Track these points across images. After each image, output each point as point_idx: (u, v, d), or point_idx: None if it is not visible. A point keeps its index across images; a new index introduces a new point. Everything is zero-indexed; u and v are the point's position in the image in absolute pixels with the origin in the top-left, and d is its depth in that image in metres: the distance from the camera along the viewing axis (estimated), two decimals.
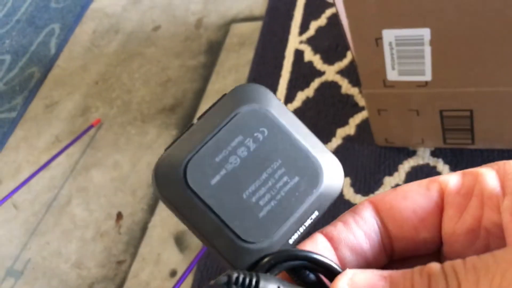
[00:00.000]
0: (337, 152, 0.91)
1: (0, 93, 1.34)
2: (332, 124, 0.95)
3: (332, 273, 0.23)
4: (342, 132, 0.94)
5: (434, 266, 0.21)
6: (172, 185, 0.23)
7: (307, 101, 1.01)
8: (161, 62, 1.25)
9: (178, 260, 0.91)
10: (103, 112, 1.19)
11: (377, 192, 0.85)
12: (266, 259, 0.23)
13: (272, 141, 0.24)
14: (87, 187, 1.06)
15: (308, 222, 0.24)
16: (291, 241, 0.23)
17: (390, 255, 0.25)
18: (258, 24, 1.22)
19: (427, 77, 0.74)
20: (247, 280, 0.21)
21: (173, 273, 0.90)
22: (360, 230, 0.25)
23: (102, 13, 1.44)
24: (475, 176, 0.23)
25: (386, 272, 0.22)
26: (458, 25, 0.66)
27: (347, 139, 0.93)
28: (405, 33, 0.69)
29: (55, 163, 1.12)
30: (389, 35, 0.70)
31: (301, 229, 0.24)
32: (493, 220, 0.22)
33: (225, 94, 0.25)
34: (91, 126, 1.15)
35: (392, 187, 0.25)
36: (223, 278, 0.21)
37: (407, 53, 0.72)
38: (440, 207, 0.24)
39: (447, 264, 0.21)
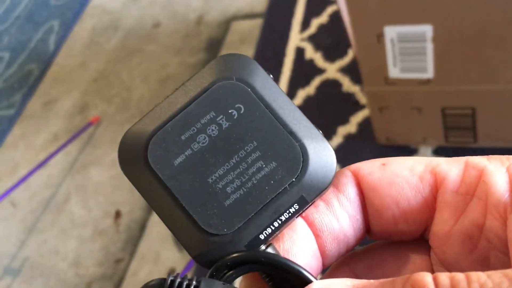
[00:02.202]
0: (338, 150, 0.90)
1: None
2: (333, 122, 0.95)
3: (301, 281, 0.20)
4: (343, 130, 0.93)
5: (423, 278, 0.16)
6: (132, 163, 0.21)
7: (308, 99, 1.00)
8: (160, 59, 1.24)
9: (177, 259, 0.90)
10: (102, 110, 1.19)
11: None
12: (219, 262, 0.20)
13: (249, 119, 0.21)
14: (86, 185, 1.06)
15: (285, 216, 0.21)
16: (261, 236, 0.20)
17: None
18: (259, 21, 1.21)
19: (429, 74, 0.73)
20: (184, 286, 0.19)
21: (172, 272, 0.89)
22: (344, 212, 0.22)
23: (102, 10, 1.43)
24: (480, 173, 0.20)
25: (360, 284, 0.18)
26: (460, 22, 0.66)
27: (348, 137, 0.92)
28: (407, 30, 0.69)
29: (54, 161, 1.11)
30: (391, 32, 0.70)
31: (276, 224, 0.21)
32: (496, 232, 0.19)
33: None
34: (89, 124, 1.15)
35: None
36: (157, 280, 0.19)
37: (409, 50, 0.71)
38: (429, 205, 0.21)
39: (443, 277, 0.16)
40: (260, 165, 0.21)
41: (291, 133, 0.21)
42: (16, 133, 1.22)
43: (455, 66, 0.72)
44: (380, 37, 0.71)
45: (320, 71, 1.04)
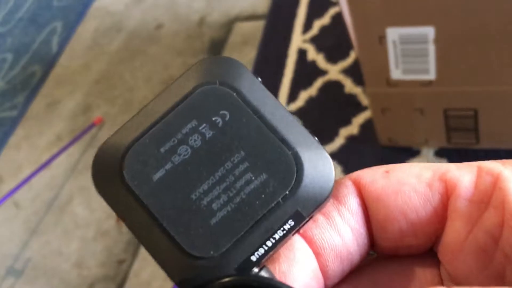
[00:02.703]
0: (340, 152, 0.90)
1: (2, 91, 1.34)
2: (335, 123, 0.95)
3: None
4: (345, 132, 0.93)
5: None
6: (106, 180, 0.19)
7: (310, 101, 1.00)
8: (163, 61, 1.24)
9: None
10: (105, 111, 1.19)
11: None
12: None
13: (235, 127, 0.19)
14: (88, 186, 1.06)
15: (280, 234, 0.18)
16: (253, 258, 0.18)
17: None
18: (261, 23, 1.21)
19: (431, 75, 0.73)
20: None
21: None
22: (346, 226, 0.19)
23: (105, 11, 1.43)
24: (495, 179, 0.18)
25: None
26: (462, 23, 0.66)
27: (350, 138, 0.92)
28: (409, 32, 0.69)
29: (56, 162, 1.12)
30: (393, 33, 0.69)
31: (269, 243, 0.18)
32: None
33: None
34: (92, 125, 1.15)
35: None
36: None
37: (411, 52, 0.71)
38: (439, 215, 0.19)
39: None
40: (249, 178, 0.19)
41: (283, 141, 0.19)
42: (19, 134, 1.23)
43: (457, 68, 0.72)
44: (382, 38, 0.70)
45: (322, 72, 1.04)
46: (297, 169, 0.19)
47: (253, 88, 0.20)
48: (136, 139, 0.19)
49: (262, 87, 0.20)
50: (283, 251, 0.19)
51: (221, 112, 0.19)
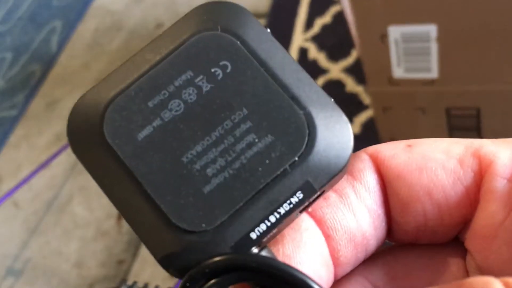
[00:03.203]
0: None
1: (1, 91, 1.33)
2: None
3: None
4: None
5: (488, 284, 0.12)
6: (84, 138, 0.16)
7: None
8: None
9: None
10: None
11: None
12: (195, 269, 0.15)
13: (237, 80, 0.16)
14: (88, 186, 1.06)
15: (285, 208, 0.15)
16: (253, 235, 0.15)
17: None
18: (262, 22, 1.21)
19: (434, 74, 0.73)
20: None
21: None
22: (363, 206, 0.17)
23: (105, 10, 1.43)
24: None
25: None
26: (465, 21, 0.66)
27: None
28: (411, 30, 0.69)
29: (56, 161, 1.11)
30: (395, 32, 0.69)
31: (272, 218, 0.15)
32: None
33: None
34: None
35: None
36: None
37: (413, 50, 0.71)
38: (471, 196, 0.16)
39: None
40: (251, 140, 0.16)
41: (293, 98, 0.16)
42: (19, 133, 1.22)
43: (459, 66, 0.71)
44: (384, 37, 0.70)
45: (324, 71, 1.03)
46: (309, 132, 0.16)
47: (260, 37, 0.17)
48: (120, 92, 0.16)
49: (271, 37, 0.17)
50: (288, 232, 0.16)
51: (222, 62, 0.16)
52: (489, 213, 0.16)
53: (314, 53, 1.07)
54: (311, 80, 0.17)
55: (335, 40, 1.08)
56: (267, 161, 0.15)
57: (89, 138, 0.16)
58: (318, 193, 0.16)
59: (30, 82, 1.32)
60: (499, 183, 0.16)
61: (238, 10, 0.17)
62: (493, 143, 0.16)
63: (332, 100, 0.17)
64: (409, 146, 0.17)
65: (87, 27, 1.41)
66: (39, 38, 1.42)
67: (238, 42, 0.16)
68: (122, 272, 0.92)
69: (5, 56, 1.41)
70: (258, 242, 0.15)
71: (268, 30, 0.17)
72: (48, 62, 1.35)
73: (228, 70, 0.16)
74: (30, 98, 1.29)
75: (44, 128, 1.21)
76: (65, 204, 1.05)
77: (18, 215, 1.07)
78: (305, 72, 0.17)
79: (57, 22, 1.45)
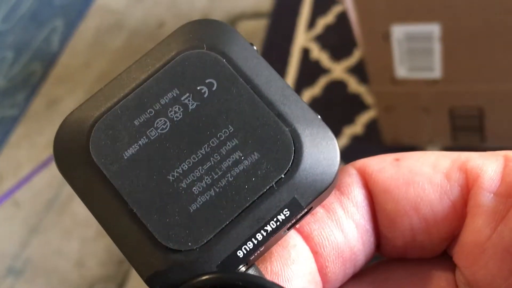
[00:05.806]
0: (343, 151, 0.90)
1: (2, 89, 1.33)
2: (339, 123, 0.94)
3: None
4: (349, 131, 0.92)
5: None
6: (69, 156, 0.16)
7: (313, 100, 0.99)
8: None
9: None
10: None
11: None
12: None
13: (223, 98, 0.16)
14: None
15: (272, 225, 0.15)
16: (240, 254, 0.15)
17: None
18: (264, 22, 1.21)
19: (437, 74, 0.73)
20: None
21: None
22: (350, 221, 0.17)
23: (106, 9, 1.43)
24: None
25: None
26: (468, 21, 0.65)
27: (354, 138, 0.92)
28: (414, 29, 0.68)
29: None
30: (398, 31, 0.69)
31: (259, 236, 0.15)
32: None
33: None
34: None
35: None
36: None
37: (416, 50, 0.71)
38: (458, 210, 0.16)
39: None
40: (237, 157, 0.16)
41: (279, 115, 0.16)
42: (20, 133, 1.22)
43: (463, 66, 0.71)
44: (386, 36, 0.70)
45: (326, 71, 1.03)
46: (295, 149, 0.16)
47: (246, 55, 0.17)
48: (107, 110, 0.16)
49: (257, 54, 0.17)
50: (276, 249, 0.16)
51: (208, 80, 0.16)
52: (476, 228, 0.16)
53: (317, 53, 1.07)
54: (297, 96, 0.17)
55: (337, 40, 1.08)
56: (253, 179, 0.15)
57: (75, 157, 0.16)
58: (305, 210, 0.16)
59: (31, 81, 1.32)
60: (486, 197, 0.16)
61: (224, 28, 0.17)
62: (480, 156, 0.16)
63: (319, 116, 0.17)
64: (397, 160, 0.17)
65: (88, 26, 1.40)
66: (40, 37, 1.42)
67: (224, 60, 0.17)
68: (123, 272, 0.92)
69: (6, 55, 1.41)
70: (245, 260, 0.15)
71: (255, 47, 0.17)
72: (49, 61, 1.35)
73: (214, 88, 0.16)
74: (31, 97, 1.28)
75: (45, 127, 1.21)
76: (65, 203, 1.05)
77: (19, 215, 1.06)
78: (291, 89, 0.17)
79: (58, 21, 1.45)
